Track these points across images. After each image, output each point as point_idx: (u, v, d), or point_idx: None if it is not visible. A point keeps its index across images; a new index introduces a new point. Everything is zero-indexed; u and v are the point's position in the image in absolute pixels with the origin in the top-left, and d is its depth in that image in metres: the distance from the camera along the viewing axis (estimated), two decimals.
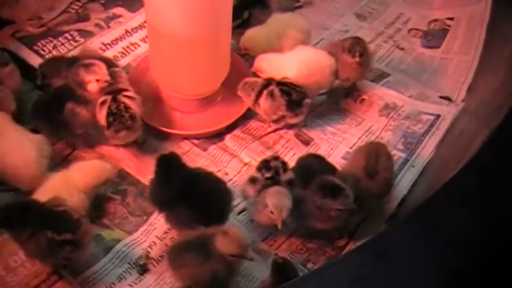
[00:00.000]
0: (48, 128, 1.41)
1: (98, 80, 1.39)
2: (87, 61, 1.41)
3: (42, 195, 1.25)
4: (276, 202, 1.21)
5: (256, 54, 1.56)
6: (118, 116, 1.37)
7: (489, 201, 0.96)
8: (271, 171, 1.27)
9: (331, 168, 1.31)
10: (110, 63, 1.49)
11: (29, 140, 1.35)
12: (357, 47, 1.50)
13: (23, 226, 1.16)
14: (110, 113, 1.37)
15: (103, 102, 1.38)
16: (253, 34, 1.59)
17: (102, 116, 1.38)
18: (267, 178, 1.26)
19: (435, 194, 1.01)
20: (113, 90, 1.39)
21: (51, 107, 1.39)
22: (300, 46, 1.53)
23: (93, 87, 1.39)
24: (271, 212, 1.21)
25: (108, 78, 1.40)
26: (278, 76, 1.47)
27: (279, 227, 1.21)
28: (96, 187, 1.31)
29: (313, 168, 1.29)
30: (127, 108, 1.38)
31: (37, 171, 1.32)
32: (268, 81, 1.45)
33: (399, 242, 0.91)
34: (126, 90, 1.40)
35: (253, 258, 1.21)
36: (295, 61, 1.49)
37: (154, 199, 1.27)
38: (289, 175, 1.28)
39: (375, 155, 1.31)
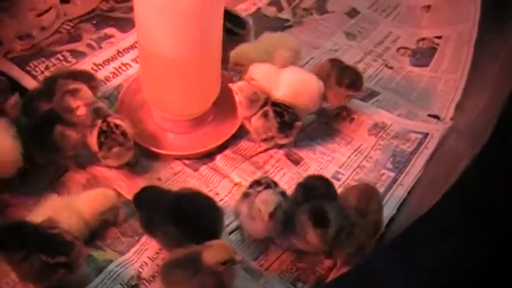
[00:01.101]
0: (40, 152, 1.41)
1: (85, 105, 1.40)
2: (72, 87, 1.41)
3: (38, 216, 1.25)
4: (264, 197, 1.25)
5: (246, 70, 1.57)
6: (109, 134, 1.39)
7: (470, 229, 0.98)
8: (263, 185, 1.29)
9: (333, 195, 1.31)
10: (86, 77, 1.52)
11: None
12: (344, 79, 1.52)
13: (17, 248, 1.16)
14: (100, 132, 1.39)
15: (93, 126, 1.39)
16: (244, 49, 1.60)
17: (93, 138, 1.39)
18: (259, 191, 1.28)
19: (416, 222, 1.03)
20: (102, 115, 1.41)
21: (40, 131, 1.40)
22: (290, 67, 1.54)
23: (81, 111, 1.40)
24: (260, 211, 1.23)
25: (94, 99, 1.41)
26: (269, 88, 1.49)
27: (266, 219, 1.23)
28: (101, 214, 1.33)
29: (317, 190, 1.30)
30: (117, 125, 1.40)
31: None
32: (266, 100, 1.47)
33: (380, 271, 0.93)
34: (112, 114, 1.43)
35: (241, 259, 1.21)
36: (285, 83, 1.50)
37: (143, 226, 1.29)
38: (280, 189, 1.30)
39: (365, 198, 1.31)
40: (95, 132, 1.39)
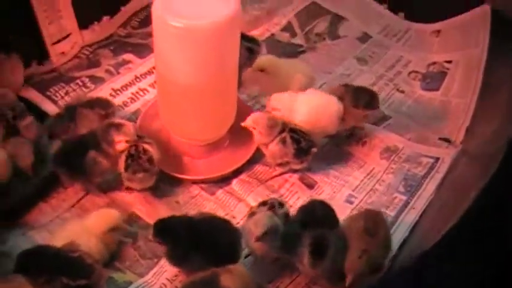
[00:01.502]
0: (67, 172, 1.47)
1: (127, 141, 1.45)
2: (118, 121, 1.48)
3: (59, 240, 1.29)
4: (256, 219, 1.28)
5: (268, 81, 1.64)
6: (136, 158, 1.44)
7: (480, 257, 1.01)
8: (267, 205, 1.33)
9: (333, 221, 1.34)
10: (104, 105, 1.57)
11: None
12: (360, 99, 1.56)
13: (39, 272, 1.20)
14: (128, 156, 1.44)
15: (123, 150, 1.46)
16: (271, 57, 1.68)
17: (121, 160, 1.46)
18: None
19: (427, 251, 1.06)
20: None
21: (74, 153, 1.46)
22: (310, 90, 1.58)
23: (121, 146, 1.46)
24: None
25: (135, 136, 1.47)
26: (290, 116, 1.52)
27: (253, 240, 1.27)
28: (106, 233, 1.35)
29: (316, 214, 1.33)
30: (145, 151, 1.45)
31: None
32: (283, 126, 1.50)
33: None
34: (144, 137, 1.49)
35: None
36: (305, 105, 1.53)
37: (168, 259, 1.32)
38: (284, 210, 1.33)
39: (373, 221, 1.33)
40: (124, 155, 1.45)
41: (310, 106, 1.54)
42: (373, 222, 1.31)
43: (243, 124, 1.51)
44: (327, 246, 1.26)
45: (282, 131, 1.50)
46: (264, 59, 1.67)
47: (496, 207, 1.11)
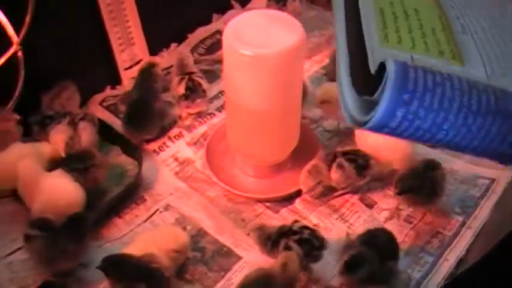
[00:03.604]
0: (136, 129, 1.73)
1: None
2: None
3: (133, 250, 1.39)
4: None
5: (332, 107, 1.71)
6: (194, 90, 1.79)
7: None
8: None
9: (393, 254, 1.40)
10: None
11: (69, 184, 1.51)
12: None
13: (120, 278, 1.31)
14: (187, 88, 1.78)
15: (181, 79, 1.80)
16: (329, 87, 1.73)
17: (180, 91, 1.80)
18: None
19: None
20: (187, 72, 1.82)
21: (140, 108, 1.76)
22: None
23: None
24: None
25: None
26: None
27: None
28: (172, 252, 1.42)
29: (378, 242, 1.39)
30: (200, 84, 1.80)
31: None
32: (334, 155, 1.57)
33: None
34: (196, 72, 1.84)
35: None
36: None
37: None
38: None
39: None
40: (182, 86, 1.79)
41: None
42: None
43: (302, 189, 1.59)
44: (360, 265, 1.32)
45: (335, 157, 1.57)
46: (322, 91, 1.72)
47: None
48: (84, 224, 1.43)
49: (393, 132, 0.71)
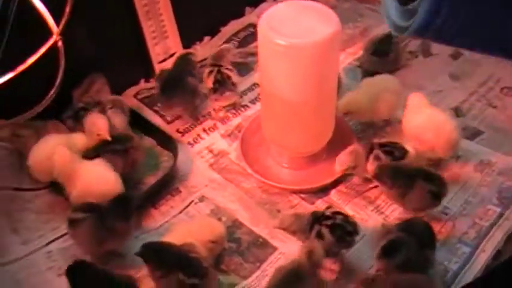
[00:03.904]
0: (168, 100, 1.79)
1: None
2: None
3: (172, 238, 1.40)
4: None
5: (356, 117, 1.71)
6: (222, 83, 1.79)
7: None
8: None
9: (430, 242, 1.39)
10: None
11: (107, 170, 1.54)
12: None
13: (159, 265, 1.32)
14: (215, 81, 1.79)
15: (210, 72, 1.81)
16: (352, 97, 1.71)
17: (209, 83, 1.81)
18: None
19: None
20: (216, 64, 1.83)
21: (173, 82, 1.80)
22: (431, 109, 1.64)
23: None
24: None
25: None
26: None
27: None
28: (209, 242, 1.43)
29: (416, 229, 1.38)
30: (229, 77, 1.80)
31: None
32: (371, 146, 1.56)
33: None
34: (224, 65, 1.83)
35: None
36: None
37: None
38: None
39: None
40: (211, 79, 1.80)
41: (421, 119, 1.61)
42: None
43: (337, 171, 1.58)
44: (398, 250, 1.32)
45: (372, 149, 1.56)
46: (345, 103, 1.69)
47: None
48: (131, 203, 1.46)
49: (440, 34, 0.74)
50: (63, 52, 1.57)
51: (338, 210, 1.45)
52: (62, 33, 1.58)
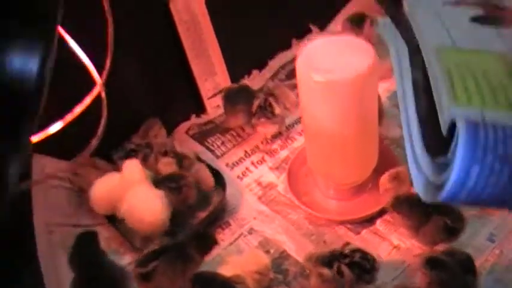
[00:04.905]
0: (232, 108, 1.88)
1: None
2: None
3: (221, 270, 1.46)
4: None
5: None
6: (263, 109, 1.81)
7: None
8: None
9: (472, 269, 1.39)
10: None
11: (155, 194, 1.60)
12: None
13: None
14: (258, 106, 1.81)
15: (256, 99, 1.84)
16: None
17: (254, 107, 1.83)
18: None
19: None
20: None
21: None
22: None
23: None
24: None
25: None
26: None
27: None
28: (255, 273, 1.47)
29: (459, 256, 1.39)
30: (271, 105, 1.82)
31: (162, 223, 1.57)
32: None
33: None
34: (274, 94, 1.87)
35: None
36: None
37: None
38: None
39: None
40: (256, 104, 1.82)
41: None
42: None
43: (381, 191, 1.60)
44: (441, 265, 1.33)
45: None
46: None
47: None
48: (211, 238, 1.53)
49: (471, 196, 0.71)
50: (105, 103, 1.63)
51: (357, 247, 1.46)
52: (106, 83, 1.65)
